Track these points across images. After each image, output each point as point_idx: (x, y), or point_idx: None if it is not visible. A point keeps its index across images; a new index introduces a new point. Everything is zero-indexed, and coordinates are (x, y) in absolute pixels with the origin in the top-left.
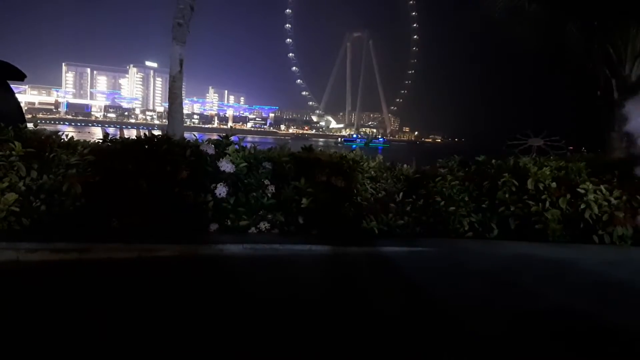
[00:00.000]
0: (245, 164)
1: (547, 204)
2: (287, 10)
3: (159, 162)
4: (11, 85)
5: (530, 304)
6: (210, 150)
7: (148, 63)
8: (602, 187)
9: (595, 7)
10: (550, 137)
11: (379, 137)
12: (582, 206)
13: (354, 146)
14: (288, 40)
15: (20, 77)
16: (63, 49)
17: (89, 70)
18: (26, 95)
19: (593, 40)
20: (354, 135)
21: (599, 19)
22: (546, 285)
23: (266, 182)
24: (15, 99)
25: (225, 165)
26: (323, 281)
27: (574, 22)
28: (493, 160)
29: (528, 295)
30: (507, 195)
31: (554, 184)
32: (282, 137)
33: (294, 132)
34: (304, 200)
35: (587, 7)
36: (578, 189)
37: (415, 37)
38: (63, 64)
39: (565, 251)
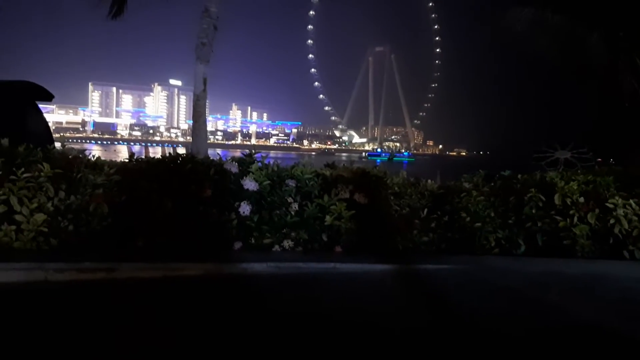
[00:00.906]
0: (268, 181)
1: (575, 219)
2: (309, 27)
3: (183, 181)
4: (40, 106)
5: (560, 322)
6: (234, 168)
7: (172, 81)
8: (631, 201)
9: (621, 18)
10: (577, 149)
11: (404, 151)
12: (612, 221)
13: (379, 161)
14: (310, 56)
15: (48, 97)
16: (90, 69)
17: (114, 89)
18: (54, 115)
19: (619, 51)
20: (379, 150)
21: (624, 30)
22: (576, 302)
23: (289, 199)
24: (44, 119)
25: (249, 184)
26: (349, 300)
27: (598, 33)
28: (519, 175)
29: (558, 313)
30: (534, 211)
31: (581, 199)
32: (306, 153)
33: (317, 147)
34: (327, 218)
35: (612, 18)
36: (607, 204)
37: (437, 50)
38: (90, 83)
39: (594, 267)
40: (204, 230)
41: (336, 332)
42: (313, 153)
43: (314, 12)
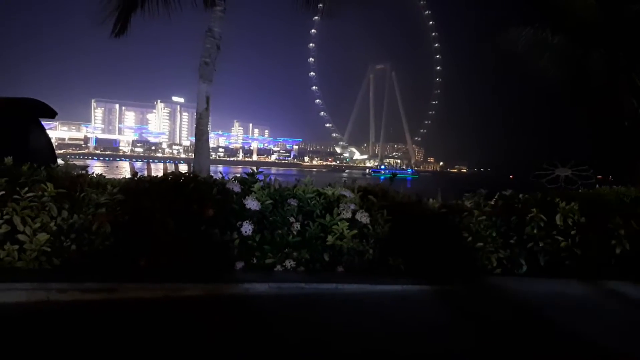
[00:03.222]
0: (270, 201)
1: (577, 239)
2: (311, 45)
3: (186, 201)
4: (43, 122)
5: (565, 343)
6: (236, 188)
7: (175, 98)
8: (632, 221)
9: (620, 38)
10: (578, 166)
11: (408, 168)
12: (613, 241)
13: (382, 177)
14: (311, 73)
15: (51, 114)
16: (93, 86)
17: (117, 106)
18: (57, 131)
19: (618, 70)
20: (382, 167)
21: (624, 50)
22: (580, 323)
23: (291, 219)
24: (47, 137)
25: (251, 203)
26: (351, 322)
27: (597, 53)
28: (520, 195)
29: (563, 335)
30: (535, 231)
31: (583, 219)
32: (307, 169)
33: (318, 163)
34: (329, 238)
35: (611, 38)
36: (608, 224)
37: (438, 68)
38: (93, 100)
39: (596, 288)
40: (206, 250)
41: (339, 356)
42: (314, 170)
43: (315, 31)
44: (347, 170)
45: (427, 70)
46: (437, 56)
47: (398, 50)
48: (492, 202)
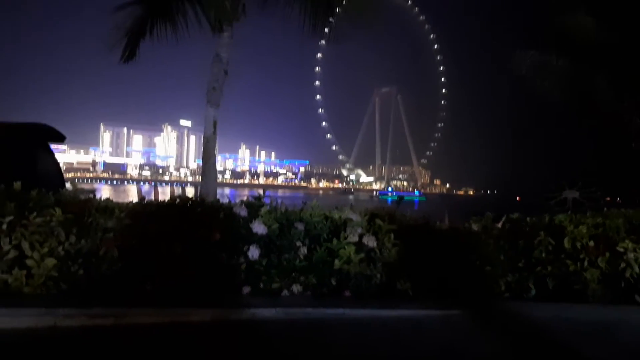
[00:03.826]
0: (277, 225)
1: (586, 263)
2: (317, 68)
3: (192, 225)
4: (52, 146)
5: None
6: (243, 212)
7: (182, 122)
8: None
9: (625, 59)
10: (585, 188)
11: (415, 190)
12: (622, 265)
13: (389, 200)
14: (318, 96)
15: (60, 139)
16: (101, 109)
17: (125, 129)
18: (65, 155)
19: (624, 91)
20: (389, 189)
21: (630, 71)
22: (590, 348)
23: (298, 243)
24: (56, 161)
25: (258, 227)
26: (358, 348)
27: (603, 75)
28: (528, 218)
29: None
30: (543, 255)
31: (591, 243)
32: (313, 192)
33: (325, 185)
34: (336, 262)
35: (616, 60)
36: (617, 248)
37: (443, 90)
38: (101, 124)
39: (606, 313)
40: (213, 274)
41: None
42: (321, 192)
43: (321, 55)
44: (353, 194)
45: (433, 92)
46: (443, 79)
47: (404, 74)
48: (500, 225)
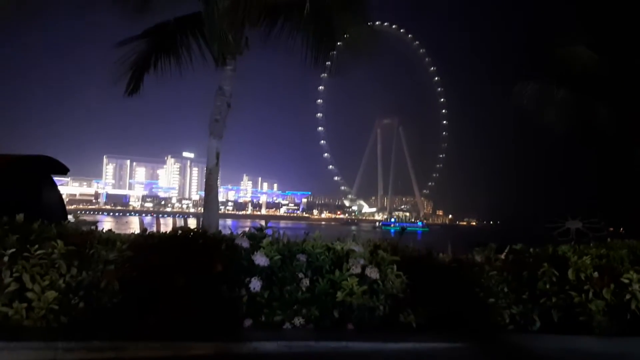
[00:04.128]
0: (279, 256)
1: (591, 294)
2: (319, 100)
3: (194, 257)
4: (55, 178)
5: None
6: (245, 243)
7: (185, 154)
8: None
9: (627, 90)
10: (588, 219)
11: (418, 220)
12: (627, 297)
13: (392, 230)
14: (320, 128)
15: (63, 171)
16: (104, 142)
17: (128, 161)
18: (68, 187)
19: (624, 122)
20: (392, 220)
21: (631, 102)
22: None
23: (300, 275)
24: (58, 193)
25: (260, 259)
26: None
27: (604, 106)
28: (531, 249)
29: None
30: (547, 286)
31: (595, 274)
32: (315, 222)
33: (327, 216)
34: (338, 294)
35: (618, 90)
36: (622, 279)
37: (444, 122)
38: (104, 156)
39: (612, 345)
40: (215, 307)
41: None
42: (323, 223)
43: (323, 87)
44: (357, 225)
45: (434, 123)
46: (444, 110)
47: (405, 105)
48: (503, 256)
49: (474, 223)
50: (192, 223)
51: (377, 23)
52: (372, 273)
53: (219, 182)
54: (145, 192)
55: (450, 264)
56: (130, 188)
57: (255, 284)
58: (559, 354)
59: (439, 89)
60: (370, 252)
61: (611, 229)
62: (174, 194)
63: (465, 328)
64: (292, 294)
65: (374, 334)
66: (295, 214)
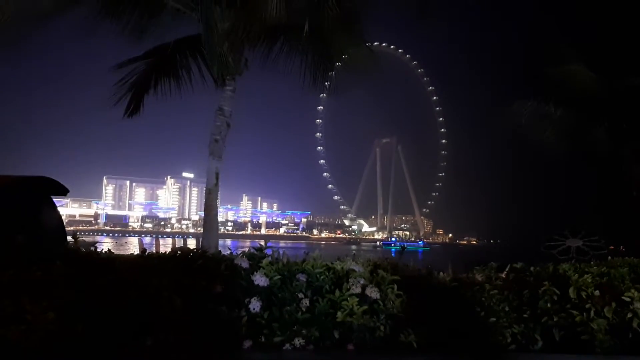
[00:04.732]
0: (279, 276)
1: (592, 313)
2: (318, 120)
3: (194, 278)
4: (54, 200)
5: None
6: (245, 264)
7: (185, 174)
8: None
9: (623, 110)
10: (589, 237)
11: (418, 240)
12: (629, 315)
13: (393, 250)
14: (319, 148)
15: (63, 192)
16: (104, 162)
17: (128, 182)
18: (68, 209)
19: (623, 140)
20: (393, 239)
21: (628, 120)
22: None
23: (300, 295)
24: (58, 214)
25: (259, 279)
26: None
27: (601, 124)
28: (532, 268)
29: None
30: (549, 305)
31: (597, 292)
32: (315, 242)
33: (327, 236)
34: (339, 314)
35: (614, 109)
36: (623, 297)
37: (443, 141)
38: (104, 177)
39: None
40: (214, 328)
41: None
42: (323, 242)
43: (322, 107)
44: (358, 244)
45: (433, 143)
46: (442, 129)
47: (404, 124)
48: (504, 275)
49: (474, 242)
50: (191, 243)
51: (375, 44)
52: (373, 293)
53: (218, 202)
54: (145, 213)
55: (450, 283)
56: (129, 209)
57: (255, 305)
58: None
59: (437, 108)
60: (370, 272)
61: (611, 247)
62: (173, 215)
63: (466, 348)
64: (292, 314)
65: (375, 354)
66: (294, 234)
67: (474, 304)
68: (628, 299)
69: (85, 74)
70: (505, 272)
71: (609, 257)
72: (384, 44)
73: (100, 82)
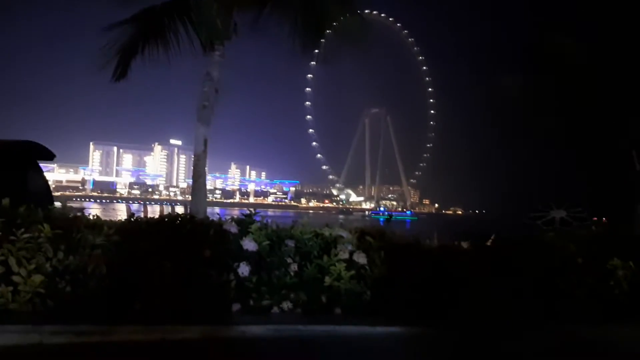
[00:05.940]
0: (267, 242)
1: (576, 280)
2: (307, 89)
3: (182, 242)
4: (41, 165)
5: None
6: (233, 229)
7: (172, 141)
8: (630, 262)
9: (608, 83)
10: (572, 208)
11: (406, 210)
12: (611, 283)
13: (382, 219)
14: (308, 117)
15: (50, 157)
16: (91, 128)
17: (115, 148)
18: (54, 174)
19: (609, 115)
20: (381, 209)
21: (613, 95)
22: None
23: (289, 260)
24: (45, 179)
25: (248, 244)
26: None
27: (587, 97)
28: (517, 237)
29: None
30: (533, 273)
31: (580, 260)
32: (303, 211)
33: (315, 205)
34: (326, 279)
35: (601, 84)
36: (607, 265)
37: (432, 111)
38: (91, 143)
39: (597, 331)
40: (203, 291)
41: None
42: (311, 211)
43: (311, 76)
44: (352, 214)
45: (422, 114)
46: (431, 100)
47: (393, 95)
48: (489, 244)
49: (460, 212)
50: (179, 210)
51: (366, 11)
52: (360, 258)
53: (206, 170)
54: (133, 179)
55: (437, 251)
56: (117, 175)
57: (244, 269)
58: (547, 341)
59: (427, 79)
60: (358, 238)
61: (595, 218)
62: (161, 182)
63: (452, 314)
64: (281, 278)
65: (362, 318)
66: (283, 203)
67: (460, 271)
68: (611, 267)
69: (72, 37)
70: (490, 241)
71: (593, 228)
72: (374, 12)
73: (88, 46)
